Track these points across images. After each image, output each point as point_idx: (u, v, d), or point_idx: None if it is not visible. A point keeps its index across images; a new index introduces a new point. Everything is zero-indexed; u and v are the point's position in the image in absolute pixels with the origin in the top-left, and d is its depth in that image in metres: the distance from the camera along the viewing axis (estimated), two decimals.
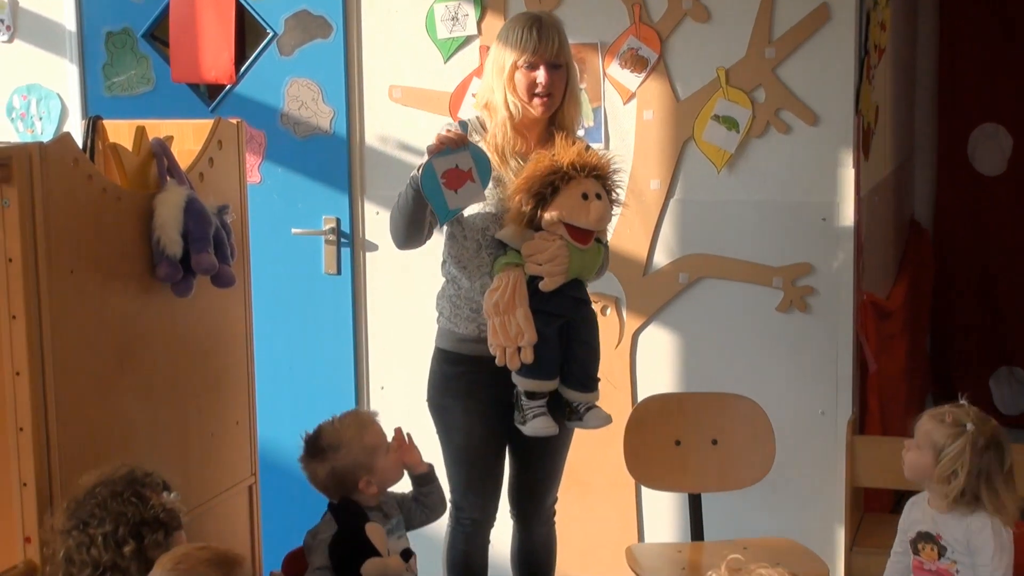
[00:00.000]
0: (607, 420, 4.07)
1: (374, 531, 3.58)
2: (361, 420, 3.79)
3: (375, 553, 3.55)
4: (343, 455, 3.69)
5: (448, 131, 3.88)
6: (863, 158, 4.80)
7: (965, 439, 3.49)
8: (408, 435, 3.88)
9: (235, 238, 3.73)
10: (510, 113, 4.00)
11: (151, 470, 3.10)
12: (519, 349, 3.90)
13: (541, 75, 3.97)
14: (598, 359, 4.10)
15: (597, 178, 3.92)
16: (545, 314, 3.93)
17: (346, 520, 3.62)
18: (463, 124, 3.94)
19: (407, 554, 3.66)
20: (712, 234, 4.79)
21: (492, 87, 4.05)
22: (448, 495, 4.15)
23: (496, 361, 3.93)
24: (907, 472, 3.61)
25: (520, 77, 3.98)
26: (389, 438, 3.82)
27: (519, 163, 4.01)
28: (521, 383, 3.96)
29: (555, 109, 4.05)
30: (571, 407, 4.04)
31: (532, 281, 3.93)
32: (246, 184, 3.97)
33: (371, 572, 3.54)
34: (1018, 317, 6.65)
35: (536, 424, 3.97)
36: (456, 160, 3.85)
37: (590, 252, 3.97)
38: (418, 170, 3.87)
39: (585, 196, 3.88)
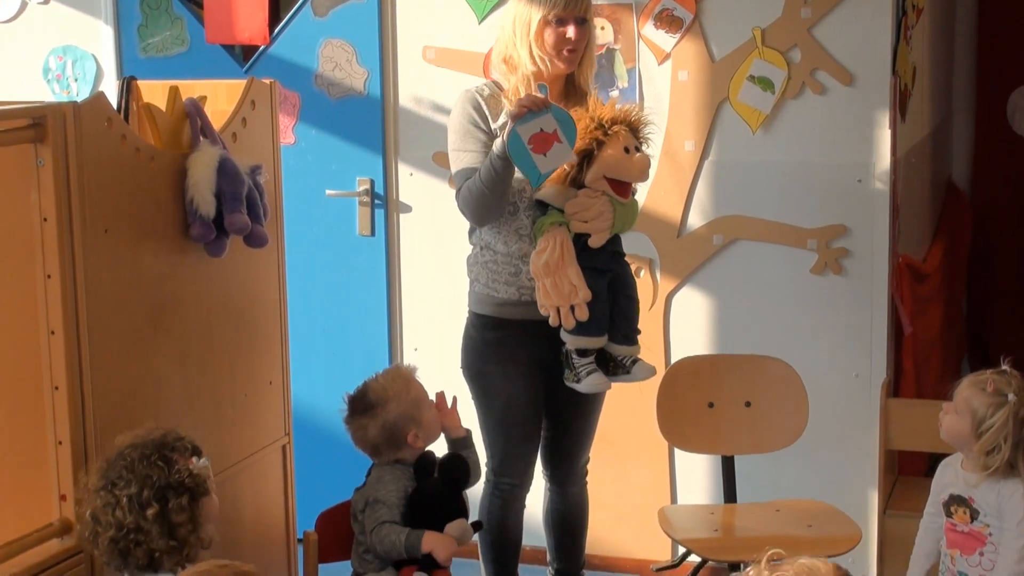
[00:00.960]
0: (652, 371, 4.09)
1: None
2: (404, 374, 3.82)
3: (461, 513, 3.65)
4: (392, 408, 3.72)
5: (526, 99, 3.83)
6: (899, 119, 4.76)
7: (1007, 411, 3.45)
8: (454, 398, 3.91)
9: (268, 198, 3.73)
10: (538, 69, 3.98)
11: (184, 435, 3.09)
12: (572, 308, 3.91)
13: (571, 31, 3.96)
14: (639, 311, 4.11)
15: (633, 132, 3.93)
16: (593, 270, 3.94)
17: (430, 478, 3.70)
18: (543, 87, 3.89)
19: (478, 524, 3.72)
20: (746, 196, 4.77)
21: (514, 43, 4.01)
22: (485, 461, 4.17)
23: (550, 321, 3.93)
24: (944, 435, 3.59)
25: (550, 32, 3.96)
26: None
27: None
28: (573, 341, 3.96)
29: (575, 67, 4.05)
30: (616, 361, 4.05)
31: (576, 239, 3.94)
32: (279, 144, 3.97)
33: (454, 531, 3.62)
34: None
35: (591, 381, 3.98)
36: (540, 124, 3.80)
37: (630, 205, 4.00)
38: (505, 140, 3.82)
39: (627, 150, 3.89)
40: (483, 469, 4.10)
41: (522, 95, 3.96)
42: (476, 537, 4.28)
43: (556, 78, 4.04)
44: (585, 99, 4.05)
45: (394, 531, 3.60)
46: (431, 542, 3.58)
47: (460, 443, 3.88)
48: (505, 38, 4.05)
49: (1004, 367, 3.56)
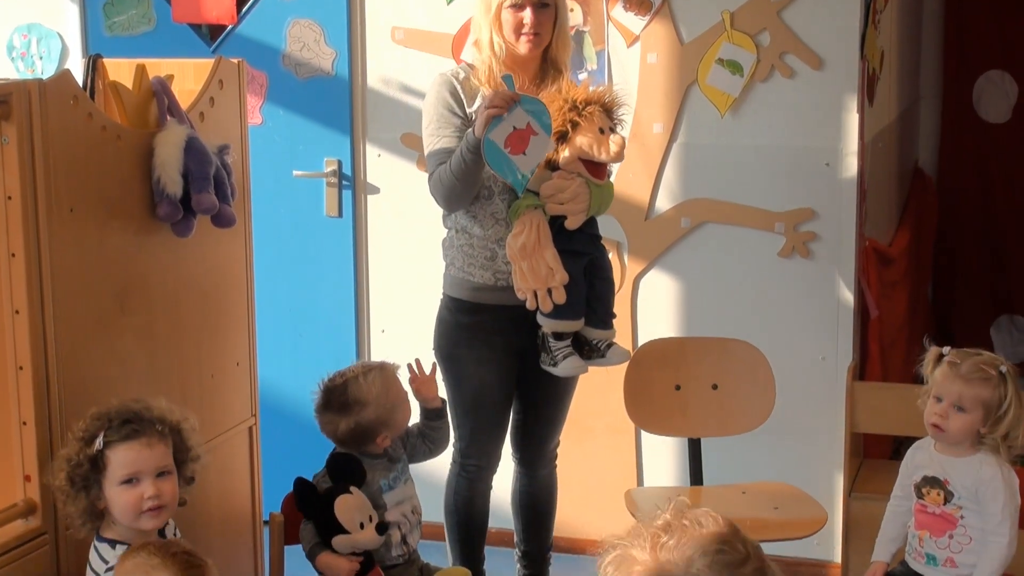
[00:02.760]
0: (627, 355, 4.12)
1: (343, 505, 3.58)
2: (387, 377, 3.80)
3: (343, 529, 3.58)
4: (369, 412, 3.73)
5: (492, 102, 3.80)
6: (867, 103, 4.77)
7: (1012, 384, 3.48)
8: (433, 365, 3.91)
9: (236, 178, 3.72)
10: (494, 52, 3.98)
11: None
12: (549, 291, 3.90)
13: (528, 15, 3.95)
14: (615, 294, 4.12)
15: (606, 113, 3.93)
16: (570, 253, 3.94)
17: (329, 489, 3.64)
18: (507, 79, 3.88)
19: (382, 528, 3.64)
20: (715, 179, 4.78)
21: (480, 25, 4.03)
22: (453, 441, 4.17)
23: (527, 305, 3.93)
24: (950, 439, 3.53)
25: (507, 16, 3.96)
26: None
27: None
28: (550, 325, 3.96)
29: (544, 47, 4.03)
30: (591, 345, 4.05)
31: (552, 222, 3.93)
32: (247, 124, 3.95)
33: (341, 547, 3.57)
34: (1020, 266, 6.63)
35: (568, 364, 3.99)
36: (512, 123, 3.77)
37: (606, 187, 4.01)
38: (482, 152, 3.79)
39: (602, 131, 3.89)
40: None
41: (485, 81, 3.95)
42: (443, 519, 4.30)
43: (529, 60, 4.03)
44: (561, 77, 4.04)
45: (307, 535, 3.62)
46: (323, 563, 3.57)
47: (434, 413, 3.87)
48: (476, 21, 4.07)
49: (944, 351, 3.58)
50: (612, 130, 3.94)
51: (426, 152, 4.06)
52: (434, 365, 3.97)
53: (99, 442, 2.97)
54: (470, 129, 3.86)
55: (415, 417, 3.96)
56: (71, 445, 3.01)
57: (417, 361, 3.93)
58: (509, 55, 4.00)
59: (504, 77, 3.87)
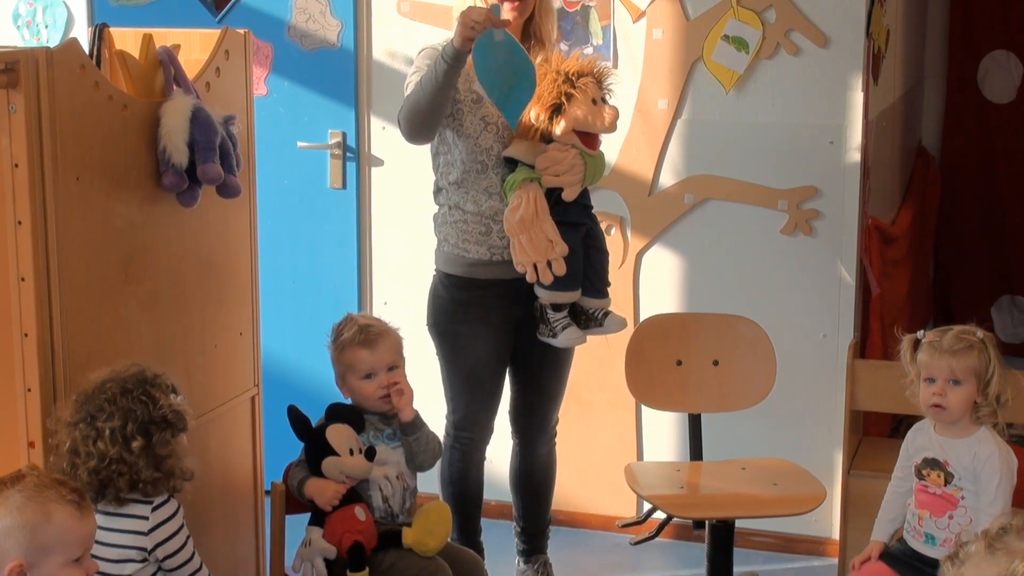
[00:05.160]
0: (624, 323, 4.13)
1: (335, 431, 3.62)
2: (358, 336, 3.73)
3: (334, 453, 3.60)
4: (335, 350, 3.77)
5: (472, 16, 3.77)
6: (872, 82, 4.78)
7: (991, 348, 3.51)
8: (401, 387, 3.72)
9: (241, 149, 3.72)
10: None
11: (160, 371, 3.14)
12: (548, 263, 3.92)
13: None
14: (608, 262, 4.13)
15: (597, 83, 3.93)
16: (567, 225, 3.96)
17: (326, 419, 3.67)
18: (495, 8, 3.84)
19: (371, 452, 3.63)
20: (718, 155, 4.78)
21: None
22: (445, 414, 4.17)
23: (528, 278, 3.95)
24: (950, 416, 3.53)
25: None
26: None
27: None
28: (548, 296, 3.98)
29: (527, 15, 4.03)
30: (588, 314, 4.07)
31: (548, 195, 3.94)
32: (252, 95, 3.95)
33: (328, 470, 3.59)
34: (1022, 246, 6.64)
35: (568, 335, 4.01)
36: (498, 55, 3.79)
37: (599, 157, 4.03)
38: (454, 45, 3.80)
39: (595, 102, 3.89)
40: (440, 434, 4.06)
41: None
42: (439, 490, 4.31)
43: (513, 31, 3.99)
44: (545, 51, 4.04)
45: (295, 473, 3.65)
46: (310, 490, 3.59)
47: (403, 427, 3.73)
48: None
49: (919, 334, 3.60)
50: (604, 100, 3.95)
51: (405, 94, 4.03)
52: (404, 388, 3.74)
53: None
54: (448, 42, 3.85)
55: None
56: (102, 440, 3.00)
57: (398, 380, 3.74)
58: None
59: (493, 6, 3.83)
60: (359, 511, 3.58)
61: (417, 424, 3.74)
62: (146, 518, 3.03)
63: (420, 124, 3.96)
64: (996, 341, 3.59)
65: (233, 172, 3.60)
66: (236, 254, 3.91)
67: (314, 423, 3.67)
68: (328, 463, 3.59)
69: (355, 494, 3.60)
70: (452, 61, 3.81)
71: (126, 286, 3.39)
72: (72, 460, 3.01)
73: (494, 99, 3.85)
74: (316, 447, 3.61)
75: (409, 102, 3.94)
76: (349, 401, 3.78)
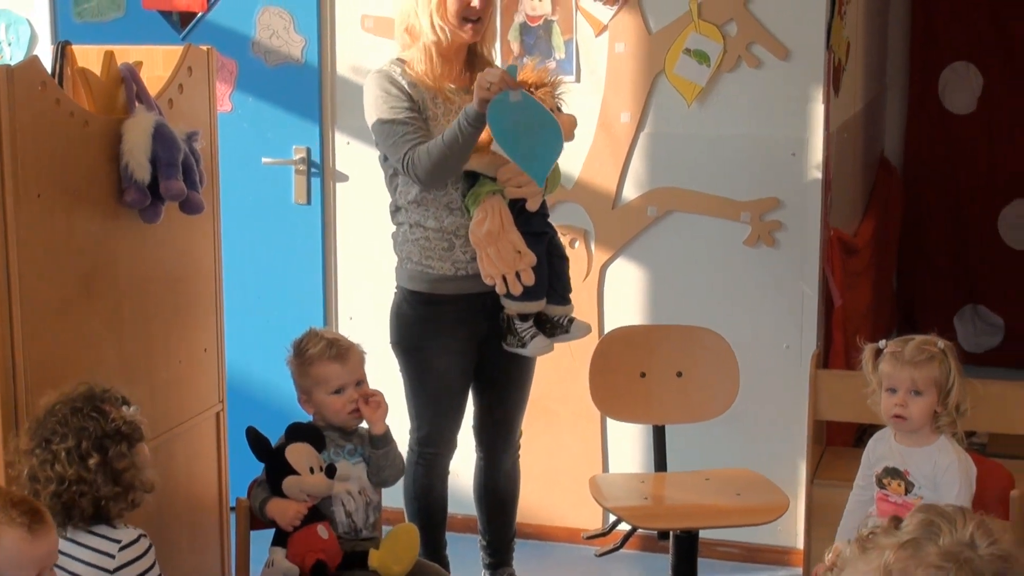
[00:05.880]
0: (589, 329, 4.16)
1: (295, 451, 3.58)
2: (327, 351, 3.72)
3: (294, 472, 3.57)
4: (298, 365, 3.73)
5: (487, 78, 3.76)
6: (833, 94, 4.81)
7: (951, 358, 3.53)
8: (379, 400, 3.74)
9: (204, 165, 3.73)
10: (439, 38, 3.97)
11: (109, 386, 3.11)
12: (518, 274, 3.93)
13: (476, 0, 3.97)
14: (569, 269, 4.18)
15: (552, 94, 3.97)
16: (532, 234, 3.98)
17: (286, 439, 3.64)
18: (512, 69, 3.82)
19: (331, 470, 3.62)
20: (681, 168, 4.81)
21: (416, 11, 3.99)
22: (409, 429, 4.18)
23: (497, 290, 3.96)
24: (911, 426, 3.56)
25: (452, 1, 3.95)
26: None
27: (451, 89, 4.04)
28: (516, 307, 3.99)
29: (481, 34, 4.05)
30: (553, 322, 4.09)
31: (511, 206, 3.96)
32: (216, 111, 3.96)
33: (289, 489, 3.56)
34: (984, 256, 6.69)
35: (536, 344, 4.03)
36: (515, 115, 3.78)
37: (556, 167, 4.03)
38: (475, 107, 3.79)
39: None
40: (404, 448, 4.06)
41: (424, 73, 3.96)
42: (404, 505, 4.31)
43: (458, 49, 4.03)
44: (492, 63, 4.07)
45: (256, 493, 3.61)
46: (272, 511, 3.55)
47: (373, 440, 3.74)
48: (407, 7, 4.02)
49: (880, 343, 3.64)
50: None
51: (382, 132, 4.02)
52: (379, 400, 3.74)
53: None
54: (469, 105, 3.84)
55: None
56: (59, 462, 2.98)
57: (379, 394, 3.76)
58: (441, 43, 3.99)
59: (509, 68, 3.82)
60: (322, 529, 3.57)
61: (388, 438, 3.74)
62: (112, 556, 2.99)
63: (442, 178, 3.95)
64: (958, 351, 3.62)
65: (196, 188, 3.61)
66: (200, 270, 3.92)
67: (276, 441, 3.66)
68: (288, 483, 3.56)
69: (318, 512, 3.60)
70: (475, 123, 3.81)
71: (89, 303, 3.39)
72: (33, 487, 2.98)
73: (516, 160, 3.85)
74: (276, 467, 3.59)
75: (432, 159, 3.88)
76: (310, 418, 3.77)
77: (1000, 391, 4.44)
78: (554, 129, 3.81)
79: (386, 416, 3.73)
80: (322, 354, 3.71)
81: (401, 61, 4.06)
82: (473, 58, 4.09)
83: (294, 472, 3.56)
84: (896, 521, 2.07)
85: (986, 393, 3.86)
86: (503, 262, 3.93)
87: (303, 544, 3.53)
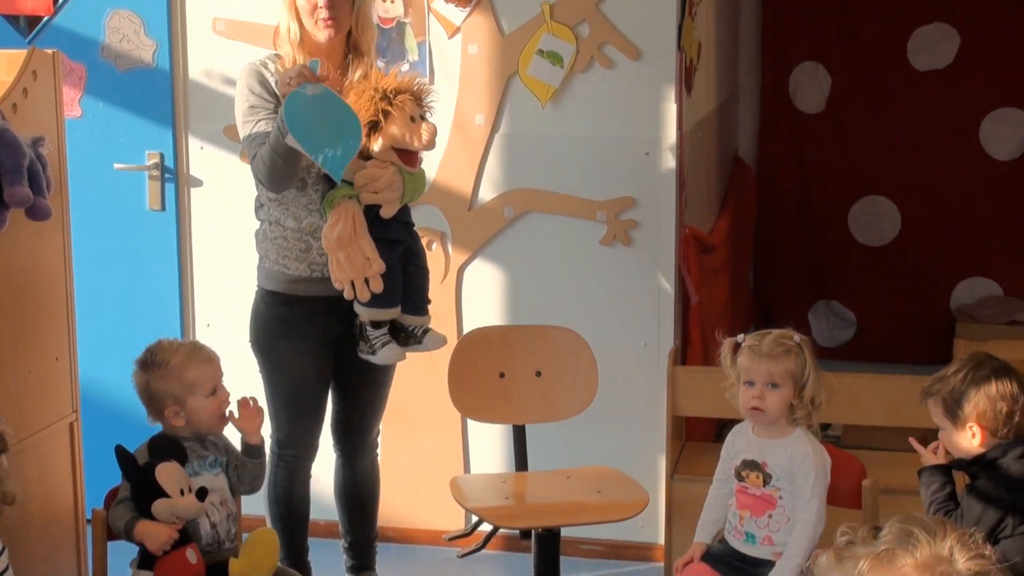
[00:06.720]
0: (444, 341, 4.14)
1: (165, 471, 3.52)
2: (195, 354, 3.69)
3: (164, 494, 3.50)
4: (160, 376, 3.64)
5: (285, 76, 3.79)
6: (686, 94, 4.87)
7: (807, 351, 3.61)
8: (254, 404, 3.77)
9: (52, 171, 3.66)
10: (291, 40, 3.98)
11: None
12: (366, 281, 3.92)
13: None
14: (428, 280, 4.15)
15: (416, 101, 3.95)
16: (386, 242, 3.96)
17: (150, 454, 3.58)
18: (314, 64, 3.81)
19: (202, 493, 3.57)
20: (537, 168, 4.83)
21: (281, 11, 4.01)
22: (270, 433, 4.15)
23: (345, 295, 3.94)
24: (768, 418, 3.62)
25: (302, 1, 3.95)
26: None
27: None
28: (368, 314, 3.98)
29: (343, 33, 4.02)
30: (407, 332, 4.08)
31: (367, 211, 3.95)
32: (63, 116, 3.90)
33: (160, 513, 3.49)
34: (836, 252, 6.82)
35: (387, 352, 4.01)
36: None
37: (419, 175, 4.04)
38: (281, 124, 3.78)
39: (412, 119, 3.91)
40: (267, 445, 4.04)
41: (291, 62, 3.95)
42: (265, 510, 4.27)
43: (333, 47, 4.02)
44: (365, 65, 4.04)
45: (119, 513, 3.52)
46: (141, 534, 3.48)
47: (251, 449, 3.73)
48: (278, 6, 4.04)
49: (738, 338, 3.70)
50: (423, 118, 3.97)
51: (243, 137, 4.02)
52: (255, 404, 3.79)
53: None
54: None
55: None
56: None
57: (245, 399, 3.78)
58: (310, 43, 3.99)
59: (311, 63, 3.82)
60: (190, 553, 3.50)
61: (263, 447, 3.75)
62: None
63: (281, 183, 3.92)
64: (812, 345, 3.69)
65: (43, 194, 3.55)
66: (49, 278, 3.85)
67: (133, 449, 3.60)
68: (160, 506, 3.48)
69: (185, 535, 3.54)
70: (285, 150, 3.80)
71: None
72: None
73: (311, 153, 3.78)
74: (144, 488, 3.51)
75: (266, 165, 3.86)
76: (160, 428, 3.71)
77: (853, 384, 4.54)
78: (354, 124, 3.80)
79: (262, 425, 3.72)
80: (191, 357, 3.67)
81: (277, 56, 4.06)
82: (353, 54, 4.06)
83: (162, 492, 3.49)
84: (875, 530, 2.07)
85: (839, 386, 3.94)
86: (352, 268, 3.92)
87: (172, 570, 3.47)
